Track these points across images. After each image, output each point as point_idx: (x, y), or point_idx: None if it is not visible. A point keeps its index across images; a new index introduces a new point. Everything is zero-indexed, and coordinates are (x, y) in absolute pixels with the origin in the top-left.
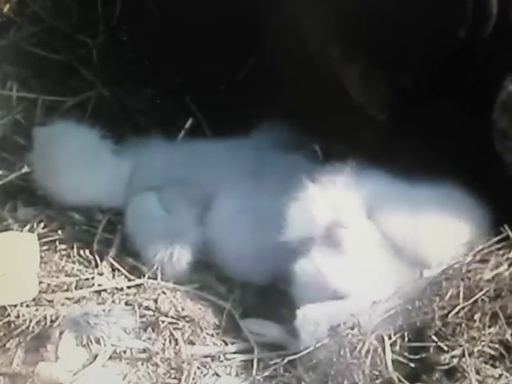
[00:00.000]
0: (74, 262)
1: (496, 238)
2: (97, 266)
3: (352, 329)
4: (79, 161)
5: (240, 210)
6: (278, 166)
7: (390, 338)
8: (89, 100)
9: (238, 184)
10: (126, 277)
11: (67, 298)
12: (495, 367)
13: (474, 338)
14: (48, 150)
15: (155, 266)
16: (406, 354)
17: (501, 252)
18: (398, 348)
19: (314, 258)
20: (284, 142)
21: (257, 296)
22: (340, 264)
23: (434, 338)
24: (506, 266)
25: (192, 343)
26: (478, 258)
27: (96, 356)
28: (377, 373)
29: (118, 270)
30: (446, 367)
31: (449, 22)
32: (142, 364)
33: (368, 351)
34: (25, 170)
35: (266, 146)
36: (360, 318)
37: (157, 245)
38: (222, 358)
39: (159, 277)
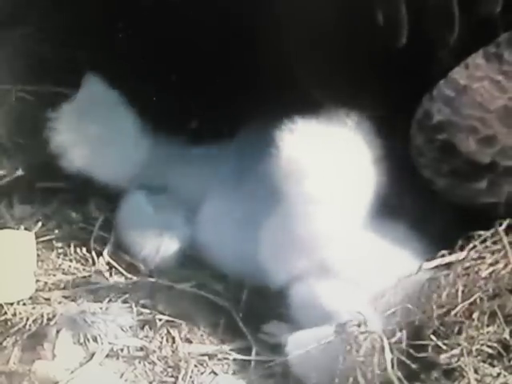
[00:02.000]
0: (70, 260)
1: (490, 233)
2: (94, 264)
3: (359, 326)
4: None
5: (226, 213)
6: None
7: (393, 336)
8: None
9: (224, 188)
10: (122, 275)
11: (64, 296)
12: (493, 366)
13: (473, 337)
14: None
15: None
16: (406, 352)
17: (497, 248)
18: (403, 346)
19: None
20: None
21: (255, 295)
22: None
23: (433, 337)
24: (502, 263)
25: (189, 341)
26: (474, 255)
27: (93, 354)
28: (378, 372)
29: (115, 268)
30: (444, 366)
31: (360, 32)
32: (139, 362)
33: (371, 349)
34: (19, 172)
35: (249, 151)
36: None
37: (143, 240)
38: (219, 356)
39: (156, 275)
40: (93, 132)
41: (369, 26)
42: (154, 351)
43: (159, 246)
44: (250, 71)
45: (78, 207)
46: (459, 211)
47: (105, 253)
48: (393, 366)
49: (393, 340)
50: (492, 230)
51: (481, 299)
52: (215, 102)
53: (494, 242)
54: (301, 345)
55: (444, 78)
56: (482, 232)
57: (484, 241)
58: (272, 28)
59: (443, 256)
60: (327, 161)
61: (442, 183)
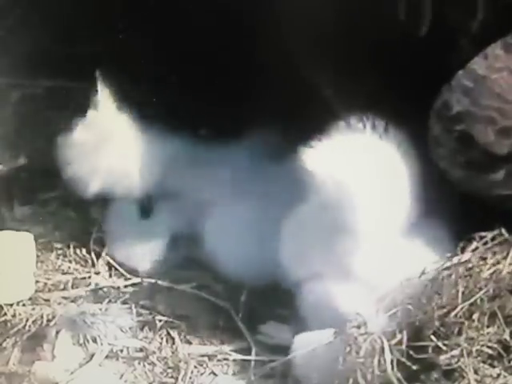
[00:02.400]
0: (70, 261)
1: (492, 234)
2: (93, 264)
3: (358, 327)
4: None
5: (234, 218)
6: (272, 175)
7: (394, 337)
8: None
9: (231, 193)
10: (122, 276)
11: (64, 297)
12: (493, 367)
13: (473, 338)
14: None
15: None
16: (406, 353)
17: (498, 249)
18: (403, 347)
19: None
20: (277, 150)
21: (256, 296)
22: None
23: (433, 337)
24: (504, 264)
25: (189, 342)
26: (476, 256)
27: (93, 355)
28: (379, 373)
29: (115, 268)
30: (444, 367)
31: (382, 20)
32: (139, 363)
33: (371, 350)
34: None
35: (260, 155)
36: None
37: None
38: (219, 357)
39: (156, 276)
40: (107, 159)
41: (390, 14)
42: (154, 352)
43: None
44: (255, 70)
45: (77, 208)
46: (467, 210)
47: (104, 254)
48: (392, 368)
49: (393, 341)
50: (495, 232)
51: (481, 300)
52: (219, 103)
53: (496, 243)
54: (307, 345)
55: (463, 69)
56: (484, 233)
57: (486, 243)
58: (278, 23)
59: (448, 258)
60: (355, 167)
61: (458, 174)
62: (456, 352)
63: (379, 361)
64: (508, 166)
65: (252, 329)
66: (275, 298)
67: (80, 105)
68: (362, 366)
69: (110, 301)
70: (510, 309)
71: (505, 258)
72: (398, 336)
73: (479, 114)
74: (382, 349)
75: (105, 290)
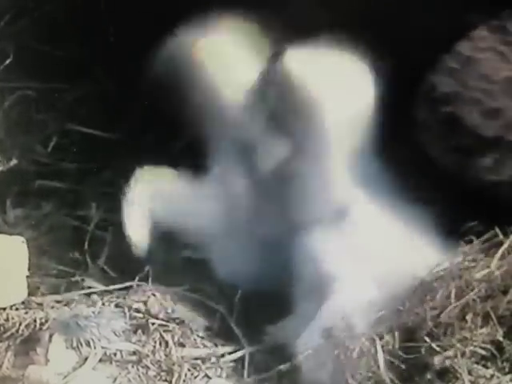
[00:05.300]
0: (63, 265)
1: (486, 236)
2: (87, 268)
3: (345, 330)
4: None
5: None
6: None
7: (381, 338)
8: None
9: None
10: (115, 279)
11: (57, 301)
12: (487, 367)
13: (466, 339)
14: None
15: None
16: (398, 354)
17: (490, 251)
18: (391, 348)
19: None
20: None
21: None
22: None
23: (426, 338)
24: (496, 265)
25: (182, 345)
26: (468, 257)
27: (86, 359)
28: (369, 374)
29: (108, 272)
30: (438, 368)
31: None
32: (133, 366)
33: (360, 352)
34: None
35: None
36: (352, 320)
37: None
38: (212, 359)
39: (149, 279)
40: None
41: None
42: (147, 355)
43: None
44: None
45: (71, 210)
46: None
47: (99, 257)
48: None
49: (385, 342)
50: (489, 233)
51: (473, 300)
52: None
53: (489, 244)
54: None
55: (448, 53)
56: (478, 234)
57: (478, 243)
58: None
59: (438, 265)
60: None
61: (447, 160)
62: (450, 353)
63: (371, 362)
64: (495, 150)
65: (246, 331)
66: (270, 299)
67: (71, 107)
68: (352, 368)
69: (103, 304)
70: (502, 309)
71: (498, 258)
72: (391, 337)
73: (466, 95)
74: (375, 350)
75: (98, 293)
